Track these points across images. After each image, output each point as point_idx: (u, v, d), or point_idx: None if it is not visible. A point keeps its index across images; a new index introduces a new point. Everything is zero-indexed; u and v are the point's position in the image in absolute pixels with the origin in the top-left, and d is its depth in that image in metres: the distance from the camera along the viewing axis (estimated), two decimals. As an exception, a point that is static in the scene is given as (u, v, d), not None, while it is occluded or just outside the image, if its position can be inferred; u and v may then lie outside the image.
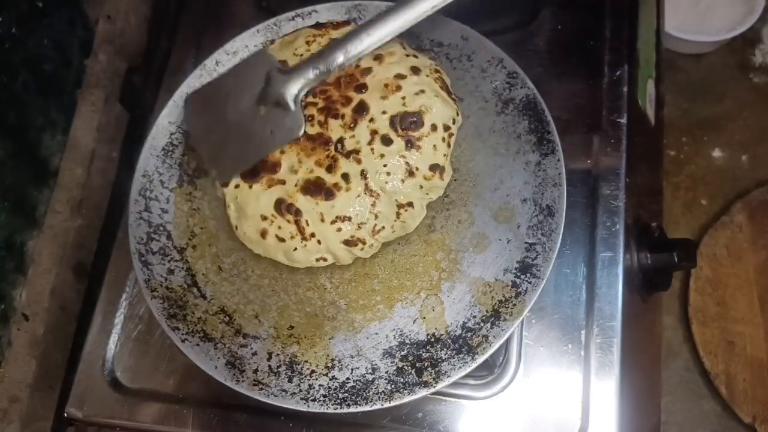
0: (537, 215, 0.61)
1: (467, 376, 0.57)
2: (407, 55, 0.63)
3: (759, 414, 1.10)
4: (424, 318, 0.61)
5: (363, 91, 0.61)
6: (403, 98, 0.60)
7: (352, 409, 0.56)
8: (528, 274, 0.59)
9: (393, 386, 0.57)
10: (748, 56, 1.40)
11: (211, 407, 0.65)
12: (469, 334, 0.58)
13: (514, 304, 0.58)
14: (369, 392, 0.57)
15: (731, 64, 1.40)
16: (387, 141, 0.59)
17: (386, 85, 0.60)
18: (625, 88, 0.72)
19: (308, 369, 0.59)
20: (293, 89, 0.60)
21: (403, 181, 0.58)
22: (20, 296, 0.74)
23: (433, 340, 0.59)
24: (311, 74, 0.60)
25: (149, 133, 0.67)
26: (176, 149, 0.68)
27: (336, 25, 0.66)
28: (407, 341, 0.60)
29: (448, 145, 0.60)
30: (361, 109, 0.60)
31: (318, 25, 0.67)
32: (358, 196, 0.58)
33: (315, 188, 0.59)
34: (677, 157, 1.34)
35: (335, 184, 0.58)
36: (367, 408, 0.56)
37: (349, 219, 0.58)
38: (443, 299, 0.62)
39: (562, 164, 0.61)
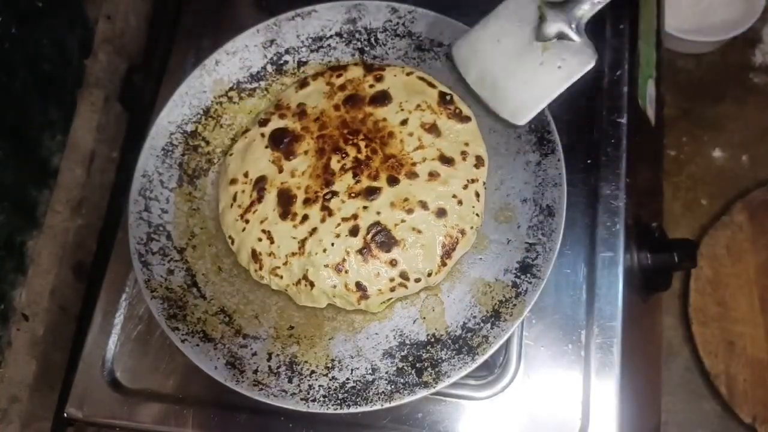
0: (537, 215, 0.61)
1: (467, 376, 0.57)
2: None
3: (759, 414, 1.10)
4: (424, 318, 0.61)
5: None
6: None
7: (352, 410, 0.56)
8: (528, 275, 0.59)
9: (393, 387, 0.57)
10: (748, 56, 1.40)
11: (211, 407, 0.65)
12: (469, 335, 0.58)
13: (515, 305, 0.58)
14: (369, 392, 0.57)
15: (731, 64, 1.39)
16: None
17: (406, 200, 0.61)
18: (625, 88, 0.71)
19: (308, 369, 0.59)
20: (573, 18, 0.59)
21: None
22: (20, 296, 0.74)
23: (433, 340, 0.59)
24: (587, 4, 0.58)
25: (149, 133, 0.67)
26: (176, 149, 0.68)
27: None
28: (407, 341, 0.60)
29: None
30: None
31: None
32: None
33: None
34: (677, 157, 1.34)
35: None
36: (367, 408, 0.56)
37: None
38: (443, 299, 0.62)
39: (562, 164, 0.61)
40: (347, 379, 0.58)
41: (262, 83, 0.72)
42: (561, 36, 0.59)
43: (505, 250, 0.61)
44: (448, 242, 0.60)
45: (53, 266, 0.78)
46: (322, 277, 0.60)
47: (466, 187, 0.61)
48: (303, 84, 0.69)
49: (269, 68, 0.72)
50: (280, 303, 0.64)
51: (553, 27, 0.59)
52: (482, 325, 0.58)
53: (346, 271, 0.59)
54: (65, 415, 0.67)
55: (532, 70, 0.60)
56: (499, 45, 0.62)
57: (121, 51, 0.89)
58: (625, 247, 0.66)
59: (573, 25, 0.59)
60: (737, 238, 1.22)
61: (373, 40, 0.71)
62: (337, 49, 0.72)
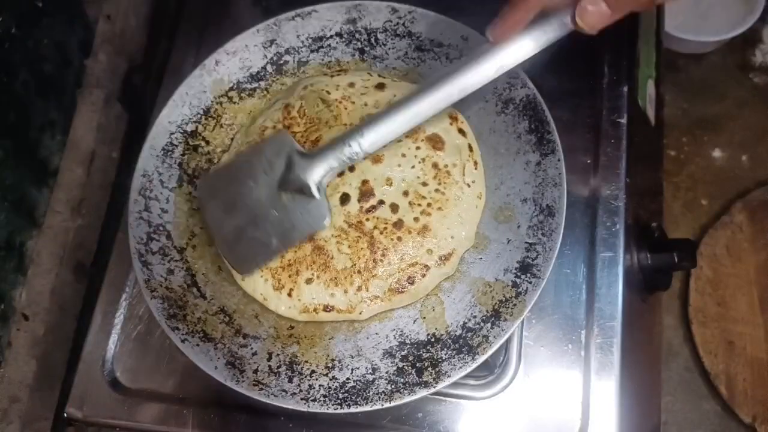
0: (537, 215, 0.61)
1: (467, 376, 0.57)
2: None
3: (759, 414, 1.10)
4: (425, 318, 0.61)
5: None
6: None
7: (353, 410, 0.56)
8: (528, 274, 0.59)
9: (393, 386, 0.57)
10: (748, 56, 1.40)
11: (211, 407, 0.65)
12: (469, 334, 0.58)
13: (515, 304, 0.58)
14: (369, 392, 0.57)
15: (731, 64, 1.40)
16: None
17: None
18: (625, 88, 0.71)
19: (308, 369, 0.59)
20: (316, 176, 0.56)
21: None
22: (20, 296, 0.74)
23: (433, 340, 0.59)
24: (335, 161, 0.56)
25: (149, 133, 0.67)
26: (176, 149, 0.68)
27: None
28: (407, 341, 0.60)
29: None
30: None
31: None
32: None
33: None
34: (677, 157, 1.34)
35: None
36: (367, 408, 0.56)
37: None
38: (443, 299, 0.62)
39: (562, 164, 0.61)
40: (347, 378, 0.58)
41: (262, 83, 0.72)
42: (301, 191, 0.56)
43: (505, 250, 0.61)
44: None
45: (53, 266, 0.78)
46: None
47: None
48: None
49: (269, 68, 0.72)
50: (280, 303, 0.64)
51: (295, 180, 0.56)
52: (482, 324, 0.58)
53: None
54: (65, 415, 0.67)
55: (266, 223, 0.57)
56: (245, 188, 0.58)
57: (121, 51, 0.89)
58: (625, 247, 0.66)
59: (314, 182, 0.56)
60: (737, 238, 1.22)
61: (373, 40, 0.71)
62: (337, 49, 0.72)
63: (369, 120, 0.56)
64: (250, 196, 0.58)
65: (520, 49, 0.52)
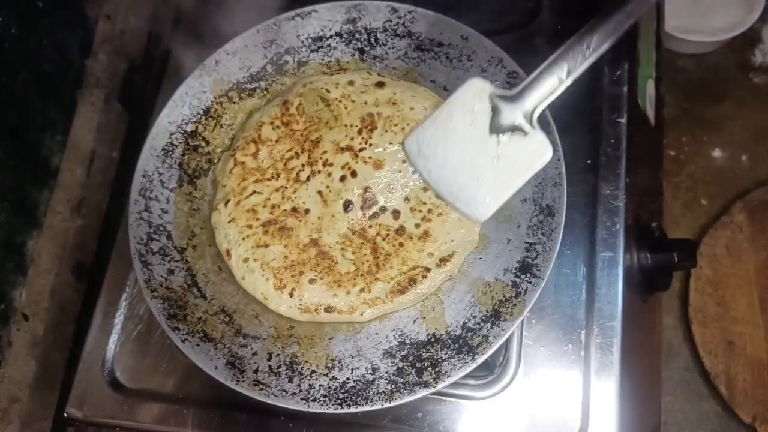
0: (537, 215, 0.61)
1: (467, 376, 0.57)
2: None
3: (759, 414, 1.10)
4: (424, 318, 0.61)
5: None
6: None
7: (353, 410, 0.56)
8: (528, 274, 0.59)
9: (393, 386, 0.57)
10: (748, 56, 1.40)
11: (211, 407, 0.65)
12: (469, 334, 0.58)
13: (515, 304, 0.58)
14: (369, 392, 0.57)
15: (731, 64, 1.39)
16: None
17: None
18: (625, 88, 0.71)
19: (308, 369, 0.59)
20: (526, 111, 0.57)
21: None
22: (20, 296, 0.74)
23: (433, 340, 0.59)
24: (543, 90, 0.57)
25: (149, 133, 0.67)
26: (176, 149, 0.68)
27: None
28: (407, 341, 0.60)
29: None
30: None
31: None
32: None
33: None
34: (677, 157, 1.34)
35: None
36: (367, 408, 0.56)
37: None
38: (443, 299, 0.62)
39: (562, 164, 0.61)
40: (347, 378, 0.58)
41: (262, 83, 0.72)
42: (514, 129, 0.57)
43: (505, 250, 0.61)
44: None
45: (53, 266, 0.78)
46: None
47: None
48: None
49: (269, 68, 0.72)
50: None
51: (507, 119, 0.57)
52: (482, 324, 0.58)
53: None
54: (65, 415, 0.67)
55: (488, 165, 0.59)
56: (452, 139, 0.60)
57: (121, 51, 0.89)
58: (625, 247, 0.66)
59: (526, 117, 0.57)
60: (737, 238, 1.22)
61: (373, 40, 0.71)
62: (337, 49, 0.72)
63: (565, 48, 0.56)
64: (462, 145, 0.59)
65: None
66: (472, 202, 0.60)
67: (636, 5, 0.55)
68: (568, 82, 0.56)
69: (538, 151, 0.57)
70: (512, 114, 0.57)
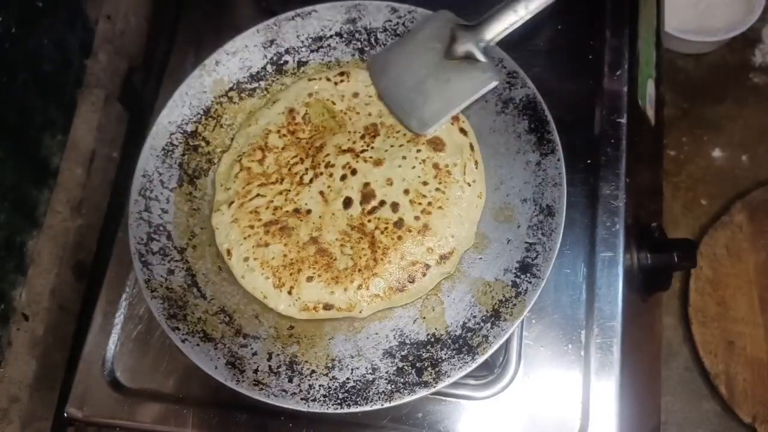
0: (537, 215, 0.61)
1: (467, 376, 0.57)
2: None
3: (759, 414, 1.10)
4: (424, 318, 0.61)
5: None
6: None
7: (353, 409, 0.56)
8: (528, 274, 0.59)
9: (393, 386, 0.57)
10: (748, 56, 1.40)
11: (211, 407, 0.65)
12: (469, 334, 0.58)
13: (514, 304, 0.58)
14: (369, 392, 0.57)
15: (731, 64, 1.40)
16: None
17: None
18: (625, 88, 0.71)
19: (308, 369, 0.59)
20: (482, 40, 0.62)
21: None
22: (20, 296, 0.74)
23: (433, 340, 0.59)
24: (501, 23, 0.62)
25: (149, 133, 0.67)
26: (176, 149, 0.68)
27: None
28: (407, 341, 0.60)
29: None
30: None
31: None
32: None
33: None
34: (677, 157, 1.34)
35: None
36: (367, 408, 0.56)
37: None
38: (443, 299, 0.62)
39: (562, 164, 0.61)
40: (347, 378, 0.58)
41: (262, 83, 0.72)
42: (469, 56, 0.62)
43: (505, 250, 0.61)
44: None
45: (53, 266, 0.78)
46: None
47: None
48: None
49: (269, 68, 0.72)
50: (280, 303, 0.64)
51: (461, 47, 0.62)
52: (482, 324, 0.58)
53: None
54: (65, 415, 0.67)
55: (438, 85, 0.63)
56: (412, 60, 0.65)
57: (121, 51, 0.89)
58: (624, 247, 0.66)
59: (481, 46, 0.62)
60: (737, 238, 1.22)
61: (373, 40, 0.71)
62: (337, 49, 0.72)
63: None
64: (421, 65, 0.65)
65: None
66: (417, 118, 0.65)
67: None
68: (526, 17, 0.61)
69: (484, 79, 0.62)
70: (467, 43, 0.62)
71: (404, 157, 0.64)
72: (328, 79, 0.70)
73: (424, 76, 0.64)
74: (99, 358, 0.68)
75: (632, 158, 0.69)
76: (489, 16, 0.62)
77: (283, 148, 0.68)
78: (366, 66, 0.69)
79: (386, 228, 0.62)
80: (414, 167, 0.64)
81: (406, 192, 0.63)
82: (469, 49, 0.62)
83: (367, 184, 0.64)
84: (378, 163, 0.64)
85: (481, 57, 0.62)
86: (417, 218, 0.62)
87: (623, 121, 0.70)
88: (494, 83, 0.62)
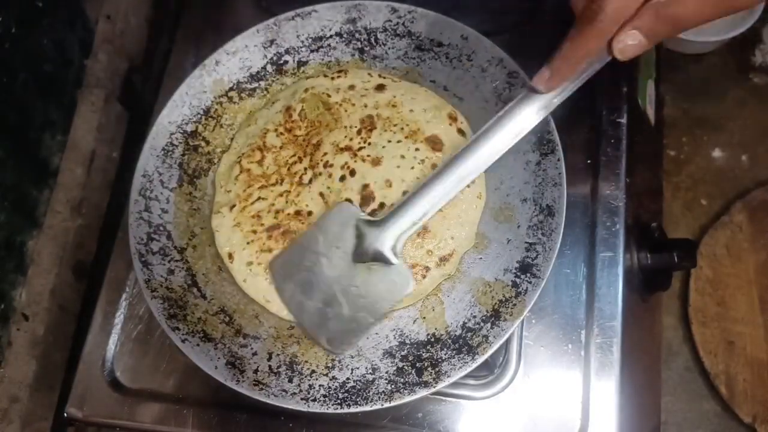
0: (537, 215, 0.61)
1: (467, 376, 0.57)
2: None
3: (759, 414, 1.10)
4: (424, 318, 0.61)
5: None
6: None
7: (353, 410, 0.56)
8: (528, 274, 0.59)
9: (393, 386, 0.57)
10: (748, 56, 1.40)
11: (211, 407, 0.65)
12: (469, 334, 0.58)
13: (514, 304, 0.58)
14: (369, 392, 0.57)
15: (731, 64, 1.39)
16: None
17: None
18: (625, 88, 0.71)
19: (308, 369, 0.59)
20: (389, 242, 0.57)
21: None
22: (20, 296, 0.74)
23: (433, 340, 0.59)
24: (405, 222, 0.57)
25: (149, 133, 0.67)
26: (176, 149, 0.68)
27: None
28: (407, 341, 0.60)
29: None
30: None
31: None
32: None
33: None
34: (677, 157, 1.34)
35: None
36: (367, 408, 0.56)
37: None
38: (443, 299, 0.62)
39: (562, 164, 0.61)
40: (347, 378, 0.58)
41: (262, 83, 0.72)
42: (376, 259, 0.57)
43: (504, 250, 0.61)
44: None
45: (53, 266, 0.78)
46: None
47: None
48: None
49: (269, 68, 0.72)
50: (280, 303, 0.64)
51: (368, 250, 0.57)
52: (482, 324, 0.58)
53: None
54: (65, 415, 0.67)
55: (351, 295, 0.57)
56: (320, 271, 0.59)
57: (121, 51, 0.89)
58: (624, 247, 0.66)
59: (389, 248, 0.56)
60: (737, 238, 1.22)
61: (373, 40, 0.71)
62: (337, 49, 0.72)
63: (426, 180, 0.57)
64: (327, 274, 0.59)
65: (563, 90, 0.52)
66: (328, 339, 0.59)
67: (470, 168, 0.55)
68: (426, 217, 0.57)
69: (400, 284, 0.57)
70: (374, 242, 0.57)
71: (403, 157, 0.64)
72: (326, 76, 0.70)
73: (333, 287, 0.58)
74: (99, 358, 0.68)
75: (632, 158, 0.69)
76: (391, 215, 0.57)
77: (281, 147, 0.68)
78: (270, 269, 0.62)
79: None
80: (413, 168, 0.64)
81: (405, 194, 0.63)
82: (379, 250, 0.57)
83: (366, 186, 0.64)
84: (376, 162, 0.64)
85: (393, 259, 0.57)
86: None
87: (623, 121, 0.70)
88: (410, 291, 0.57)
